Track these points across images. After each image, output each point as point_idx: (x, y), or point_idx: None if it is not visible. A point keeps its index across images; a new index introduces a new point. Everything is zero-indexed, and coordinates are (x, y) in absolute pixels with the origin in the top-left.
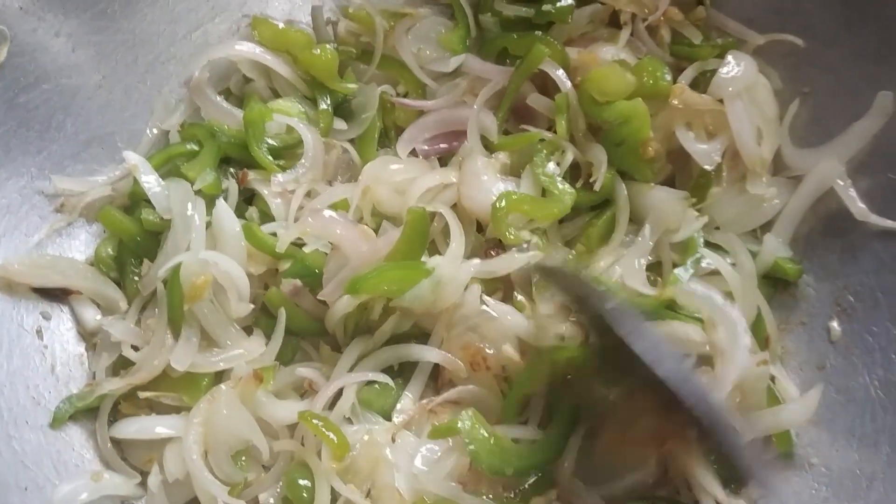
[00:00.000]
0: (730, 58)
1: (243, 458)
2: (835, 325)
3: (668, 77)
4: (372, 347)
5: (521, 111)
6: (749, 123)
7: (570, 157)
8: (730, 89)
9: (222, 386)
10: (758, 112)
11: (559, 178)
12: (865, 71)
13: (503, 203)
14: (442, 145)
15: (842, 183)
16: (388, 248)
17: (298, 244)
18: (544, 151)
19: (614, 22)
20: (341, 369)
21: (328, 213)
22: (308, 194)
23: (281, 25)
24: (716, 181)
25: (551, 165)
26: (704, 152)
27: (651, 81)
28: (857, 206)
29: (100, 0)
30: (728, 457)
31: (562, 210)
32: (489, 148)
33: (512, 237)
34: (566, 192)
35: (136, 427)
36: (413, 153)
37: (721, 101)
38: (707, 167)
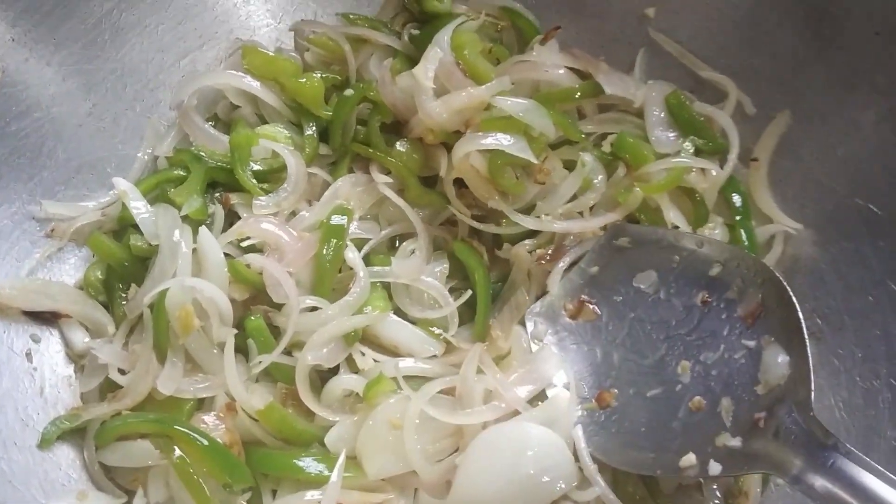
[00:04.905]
0: None
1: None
2: None
3: None
4: None
5: None
6: None
7: None
8: None
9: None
10: None
11: None
12: (837, 97)
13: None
14: None
15: None
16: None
17: None
18: None
19: None
20: None
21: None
22: (292, 214)
23: (271, 53)
24: None
25: None
26: None
27: None
28: None
29: (90, 30)
30: None
31: None
32: None
33: None
34: None
35: (120, 454)
36: None
37: None
38: None
